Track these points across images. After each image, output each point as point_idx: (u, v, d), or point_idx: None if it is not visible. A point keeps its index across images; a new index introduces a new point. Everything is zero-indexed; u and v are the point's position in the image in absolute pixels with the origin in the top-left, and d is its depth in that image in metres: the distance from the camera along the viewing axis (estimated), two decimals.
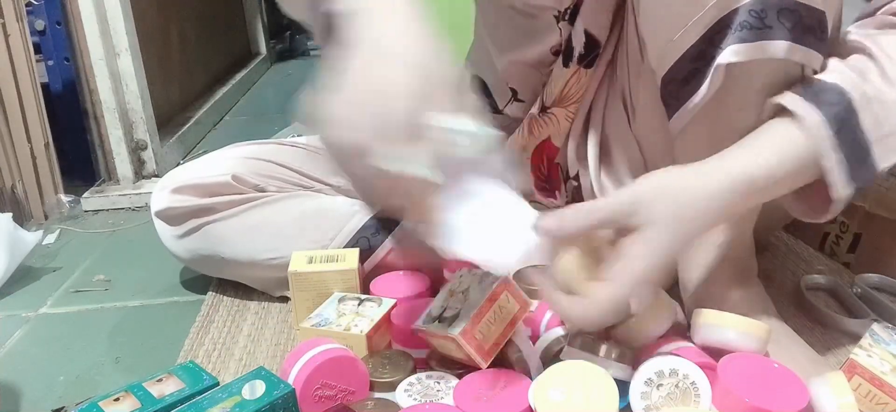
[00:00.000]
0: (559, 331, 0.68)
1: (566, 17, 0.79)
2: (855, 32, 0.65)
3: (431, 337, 0.67)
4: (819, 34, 0.60)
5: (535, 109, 0.87)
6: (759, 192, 0.60)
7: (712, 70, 0.61)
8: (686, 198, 0.58)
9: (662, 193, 0.58)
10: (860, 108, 0.60)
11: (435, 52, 0.54)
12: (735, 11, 0.59)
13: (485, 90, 0.93)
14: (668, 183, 0.59)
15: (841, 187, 0.59)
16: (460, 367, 0.69)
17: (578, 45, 0.79)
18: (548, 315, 0.72)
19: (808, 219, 0.65)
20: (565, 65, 0.81)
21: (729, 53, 0.59)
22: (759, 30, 0.58)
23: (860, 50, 0.63)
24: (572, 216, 0.58)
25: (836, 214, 0.62)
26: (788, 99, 0.61)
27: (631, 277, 0.57)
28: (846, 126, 0.59)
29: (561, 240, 0.59)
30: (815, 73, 0.64)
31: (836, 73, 0.61)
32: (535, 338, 0.71)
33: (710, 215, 0.59)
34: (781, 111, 0.61)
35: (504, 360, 0.69)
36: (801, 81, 0.62)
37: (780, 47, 0.59)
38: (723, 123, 0.65)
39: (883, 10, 0.65)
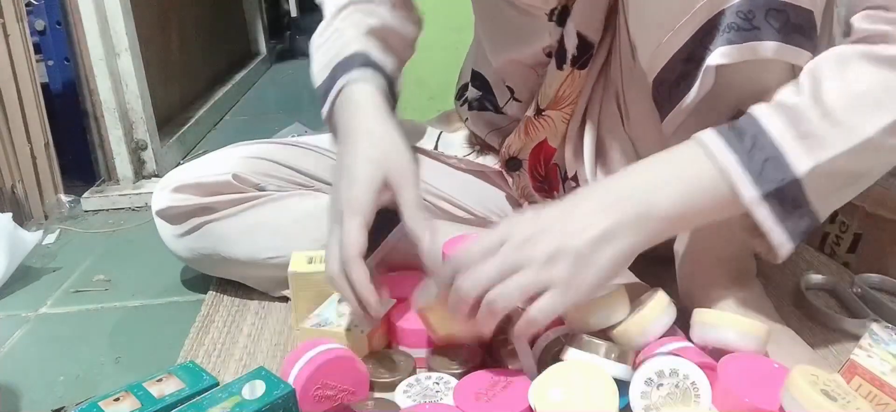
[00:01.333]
0: (559, 332, 0.68)
1: (554, 18, 0.79)
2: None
3: (429, 312, 0.68)
4: (808, 33, 0.60)
5: (530, 111, 0.87)
6: (667, 202, 0.59)
7: (702, 71, 0.61)
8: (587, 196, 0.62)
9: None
10: (766, 115, 0.59)
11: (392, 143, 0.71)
12: (723, 13, 0.59)
13: (486, 87, 0.93)
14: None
15: (745, 190, 0.58)
16: (461, 363, 0.70)
17: (571, 47, 0.80)
18: None
19: (770, 257, 0.63)
20: (559, 67, 0.81)
21: (718, 55, 0.60)
22: (748, 31, 0.58)
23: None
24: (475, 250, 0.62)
25: (783, 239, 0.59)
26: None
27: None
28: (742, 131, 0.59)
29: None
30: None
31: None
32: (534, 337, 0.71)
33: (618, 213, 0.59)
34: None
35: (502, 361, 0.69)
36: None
37: (769, 47, 0.59)
38: (714, 123, 0.65)
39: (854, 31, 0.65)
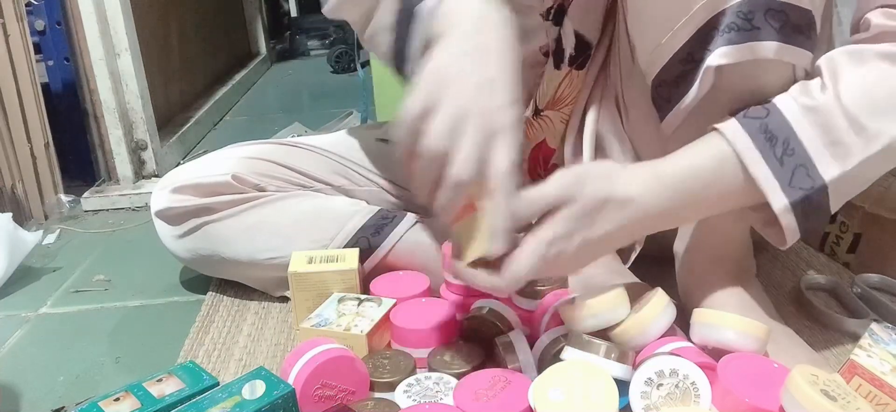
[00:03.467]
0: (559, 332, 0.68)
1: (550, 17, 0.79)
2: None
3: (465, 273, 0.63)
4: (807, 33, 0.60)
5: (528, 112, 0.87)
6: (696, 200, 0.61)
7: (702, 72, 0.61)
8: (618, 183, 0.59)
9: (598, 177, 0.59)
10: (796, 120, 0.59)
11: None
12: (723, 13, 0.59)
13: None
14: (607, 170, 0.61)
15: (774, 197, 0.59)
16: (461, 363, 0.70)
17: (569, 47, 0.79)
18: (547, 315, 0.72)
19: (775, 243, 0.64)
20: (557, 67, 0.81)
21: (718, 55, 0.60)
22: (748, 31, 0.58)
23: (813, 71, 0.63)
24: (526, 205, 0.58)
25: (797, 236, 0.61)
26: (723, 121, 0.62)
27: (541, 238, 0.58)
28: (774, 137, 0.59)
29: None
30: (806, 72, 0.64)
31: (777, 95, 0.62)
32: (534, 337, 0.72)
33: (643, 213, 0.60)
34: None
35: (501, 362, 0.69)
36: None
37: (769, 48, 0.59)
38: (714, 124, 0.65)
39: (860, 25, 0.65)
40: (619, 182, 0.60)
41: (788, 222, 0.60)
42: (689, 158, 0.61)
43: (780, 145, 0.59)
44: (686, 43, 0.61)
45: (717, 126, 0.61)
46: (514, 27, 0.62)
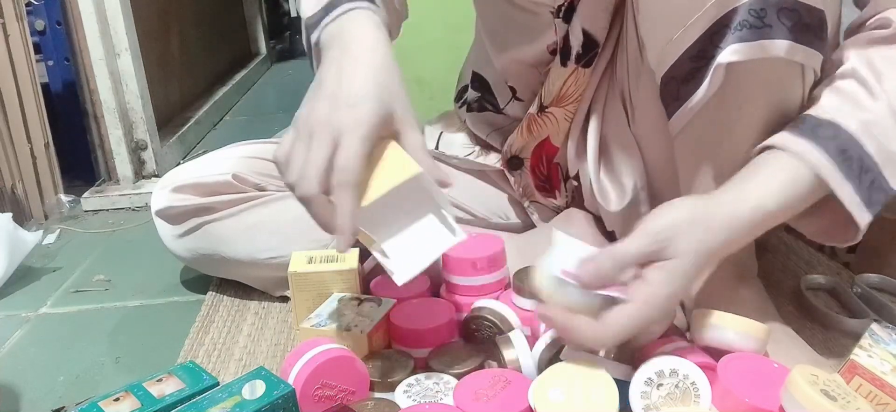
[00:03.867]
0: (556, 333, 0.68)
1: (560, 15, 0.79)
2: (846, 48, 0.65)
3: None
4: (819, 33, 0.60)
5: (533, 109, 0.87)
6: (773, 221, 0.61)
7: (712, 69, 0.61)
8: (711, 230, 0.59)
9: (690, 227, 0.59)
10: (861, 135, 0.60)
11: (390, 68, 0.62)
12: (735, 10, 0.59)
13: (487, 88, 0.93)
14: (695, 217, 0.60)
15: (860, 216, 0.60)
16: (461, 363, 0.70)
17: (576, 44, 0.79)
18: None
19: (829, 242, 0.67)
20: (563, 64, 0.81)
21: (729, 53, 0.59)
22: (759, 29, 0.58)
23: (849, 74, 0.63)
24: (609, 265, 0.59)
25: (859, 239, 0.63)
26: (787, 139, 0.62)
27: (653, 301, 0.58)
28: (850, 156, 0.60)
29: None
30: (816, 74, 0.64)
31: (830, 108, 0.62)
32: (533, 336, 0.71)
33: (731, 246, 0.61)
34: (776, 149, 0.62)
35: (501, 362, 0.69)
36: (794, 121, 0.63)
37: (780, 47, 0.59)
38: (722, 123, 0.65)
39: (871, 22, 0.65)
40: (710, 233, 0.59)
41: (865, 228, 0.62)
42: (765, 186, 0.61)
43: (855, 164, 0.60)
44: (697, 39, 0.61)
45: (784, 146, 0.61)
46: (387, 42, 0.65)
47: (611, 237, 0.88)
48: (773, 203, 0.60)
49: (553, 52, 0.82)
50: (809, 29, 0.59)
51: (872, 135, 0.60)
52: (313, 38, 0.68)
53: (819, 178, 0.60)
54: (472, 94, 0.96)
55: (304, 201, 0.59)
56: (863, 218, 0.60)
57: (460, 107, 0.99)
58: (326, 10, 0.67)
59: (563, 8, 0.78)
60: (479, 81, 0.94)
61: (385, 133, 0.61)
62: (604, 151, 0.85)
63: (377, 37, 0.64)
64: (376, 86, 0.60)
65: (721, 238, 0.60)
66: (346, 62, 0.62)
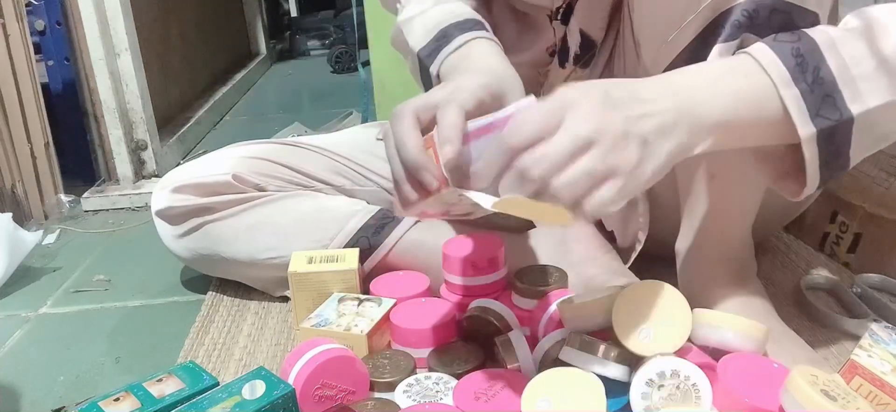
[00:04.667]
0: (558, 335, 0.68)
1: (558, 17, 0.79)
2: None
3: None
4: None
5: None
6: (708, 118, 0.56)
7: None
8: (620, 87, 0.55)
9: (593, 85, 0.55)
10: (825, 48, 0.57)
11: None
12: (729, 11, 0.59)
13: None
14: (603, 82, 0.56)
15: (802, 124, 0.56)
16: (461, 363, 0.70)
17: (574, 45, 0.79)
18: (547, 315, 0.72)
19: (788, 195, 0.62)
20: (561, 65, 0.81)
21: (715, 52, 0.60)
22: (748, 28, 0.58)
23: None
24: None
25: (815, 183, 0.58)
26: (748, 43, 0.58)
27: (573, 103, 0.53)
28: (806, 63, 0.56)
29: None
30: None
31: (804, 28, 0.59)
32: (533, 336, 0.72)
33: (647, 108, 0.54)
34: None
35: (501, 362, 0.69)
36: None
37: (758, 46, 0.58)
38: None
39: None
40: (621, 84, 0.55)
41: (812, 157, 0.57)
42: (716, 73, 0.57)
43: (810, 72, 0.56)
44: (692, 41, 0.61)
45: (745, 49, 0.58)
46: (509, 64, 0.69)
47: (611, 237, 0.89)
48: (718, 87, 0.56)
49: (552, 54, 0.82)
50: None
51: (838, 52, 0.56)
52: (432, 70, 0.73)
53: (763, 73, 0.56)
54: None
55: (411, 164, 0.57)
56: (805, 127, 0.56)
57: None
58: (442, 41, 0.72)
59: (560, 10, 0.78)
60: None
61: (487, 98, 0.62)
62: None
63: (502, 58, 0.69)
64: (479, 74, 0.64)
65: (640, 86, 0.55)
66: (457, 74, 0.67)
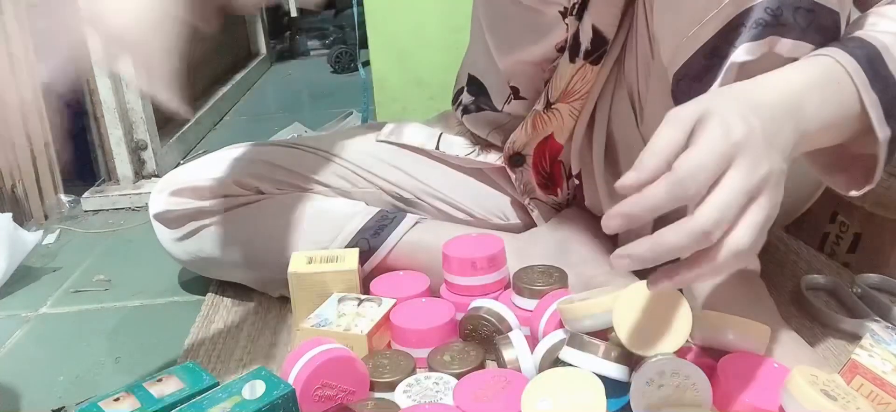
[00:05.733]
0: (559, 335, 0.68)
1: (573, 12, 0.78)
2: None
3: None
4: (833, 35, 0.60)
5: (539, 105, 0.86)
6: (811, 119, 0.56)
7: (725, 68, 0.61)
8: (747, 89, 0.55)
9: (721, 93, 0.56)
10: (884, 52, 0.58)
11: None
12: (751, 9, 0.58)
13: (483, 91, 0.93)
14: (722, 91, 0.57)
15: (880, 128, 0.58)
16: (461, 363, 0.70)
17: (585, 41, 0.79)
18: (546, 315, 0.72)
19: (839, 188, 0.63)
20: (571, 60, 0.81)
21: (742, 51, 0.59)
22: (773, 27, 0.58)
23: (862, 19, 0.62)
24: (652, 162, 0.51)
25: (876, 179, 0.60)
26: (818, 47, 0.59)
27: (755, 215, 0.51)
28: (874, 68, 0.58)
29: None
30: None
31: (851, 32, 0.61)
32: (533, 336, 0.72)
33: (775, 113, 0.54)
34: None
35: (500, 362, 0.69)
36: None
37: (786, 45, 0.58)
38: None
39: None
40: (746, 92, 0.55)
41: (883, 157, 0.59)
42: (815, 81, 0.57)
43: (880, 77, 0.58)
44: (712, 37, 0.61)
45: (825, 53, 0.58)
46: None
47: (612, 238, 0.88)
48: (814, 98, 0.56)
49: (561, 50, 0.82)
50: (824, 30, 0.59)
51: (891, 54, 0.58)
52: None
53: (849, 80, 0.57)
54: (467, 98, 0.95)
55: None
56: (882, 131, 0.58)
57: (456, 109, 0.99)
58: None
59: (576, 6, 0.78)
60: (475, 84, 0.94)
61: None
62: (609, 150, 0.85)
63: None
64: None
65: (760, 92, 0.55)
66: None
